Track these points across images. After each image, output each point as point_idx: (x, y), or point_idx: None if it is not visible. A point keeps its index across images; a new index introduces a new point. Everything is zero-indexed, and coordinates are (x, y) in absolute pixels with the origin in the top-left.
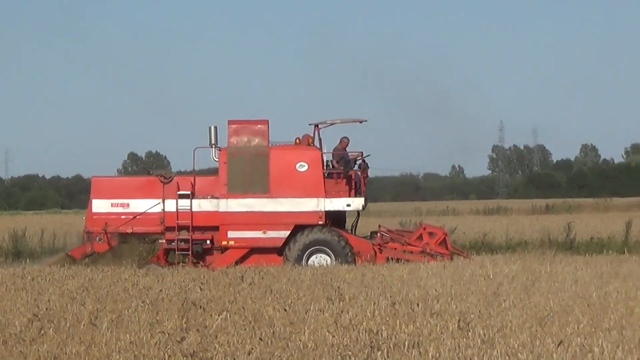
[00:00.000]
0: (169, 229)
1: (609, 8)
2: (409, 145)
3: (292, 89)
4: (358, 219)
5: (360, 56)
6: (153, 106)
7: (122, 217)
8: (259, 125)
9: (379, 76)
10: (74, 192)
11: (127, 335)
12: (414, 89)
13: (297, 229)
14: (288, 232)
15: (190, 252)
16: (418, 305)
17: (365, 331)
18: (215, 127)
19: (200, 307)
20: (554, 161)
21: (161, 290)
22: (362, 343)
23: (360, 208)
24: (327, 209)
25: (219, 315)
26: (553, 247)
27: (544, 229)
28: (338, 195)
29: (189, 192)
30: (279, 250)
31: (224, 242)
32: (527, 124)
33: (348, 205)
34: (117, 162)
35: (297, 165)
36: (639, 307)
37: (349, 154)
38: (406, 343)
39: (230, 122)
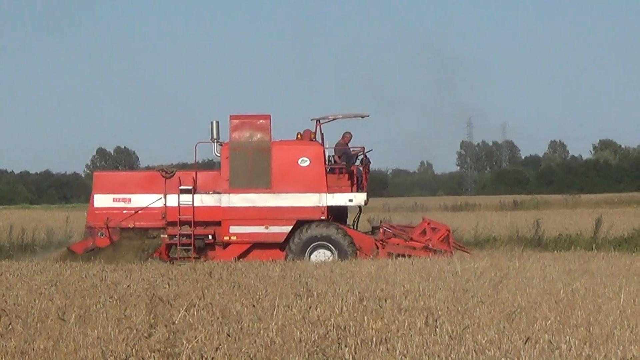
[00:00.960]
0: (171, 224)
1: (577, 5)
2: (378, 141)
3: (284, 83)
4: (360, 215)
5: (333, 49)
6: (127, 100)
7: (124, 212)
8: (261, 120)
9: (354, 72)
10: (42, 188)
11: (95, 331)
12: (381, 83)
13: (299, 224)
14: (290, 227)
15: (192, 247)
16: (386, 301)
17: (333, 327)
18: (217, 122)
19: (168, 302)
20: (523, 157)
21: (129, 286)
22: (330, 339)
23: (363, 203)
24: (329, 204)
25: (186, 311)
26: (521, 244)
27: (513, 225)
28: (340, 190)
29: (190, 187)
30: (281, 245)
31: (226, 238)
32: (496, 120)
33: (350, 200)
34: (85, 158)
35: (300, 161)
36: (607, 303)
37: (351, 149)
38: (374, 339)
39: (232, 117)
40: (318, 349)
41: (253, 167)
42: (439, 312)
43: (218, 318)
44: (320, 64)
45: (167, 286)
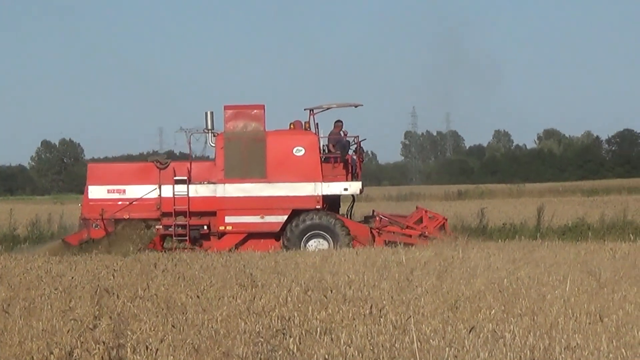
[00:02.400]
0: (166, 214)
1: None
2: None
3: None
4: (353, 204)
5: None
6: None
7: (119, 203)
8: (255, 110)
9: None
10: None
11: (40, 323)
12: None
13: (295, 214)
14: (286, 217)
15: (187, 238)
16: (331, 291)
17: (278, 318)
18: (212, 113)
19: (113, 294)
20: (467, 147)
21: (74, 278)
22: (274, 329)
23: (358, 192)
24: (324, 193)
25: (131, 303)
26: (466, 233)
27: (457, 215)
28: (335, 179)
29: (185, 178)
30: (276, 235)
31: (222, 228)
32: (440, 110)
33: (345, 189)
34: (31, 150)
35: (294, 150)
36: (551, 292)
37: (345, 137)
38: (318, 329)
39: (226, 107)
40: (262, 340)
41: (248, 156)
42: (383, 302)
43: (163, 309)
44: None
45: (112, 278)
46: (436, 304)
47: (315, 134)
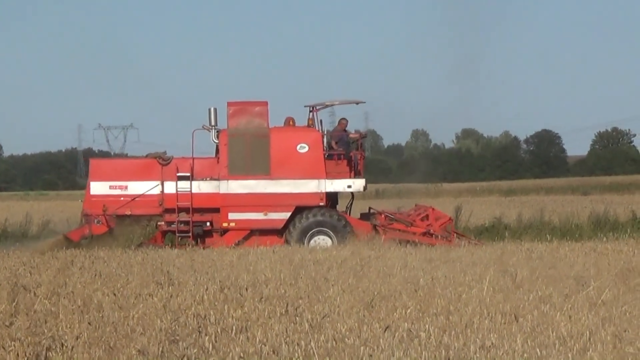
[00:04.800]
0: (168, 210)
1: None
2: None
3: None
4: (352, 201)
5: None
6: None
7: (121, 199)
8: (259, 107)
9: None
10: None
11: None
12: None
13: (298, 211)
14: (289, 214)
15: (190, 234)
16: (247, 290)
17: (194, 316)
18: (215, 109)
19: (30, 291)
20: (385, 146)
21: None
22: (190, 328)
23: (361, 189)
24: (328, 190)
25: (48, 300)
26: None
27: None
28: (339, 176)
29: (188, 174)
30: (279, 231)
31: (225, 224)
32: (359, 109)
33: (349, 186)
34: None
35: (298, 147)
36: (467, 292)
37: (349, 135)
38: (234, 327)
39: (229, 104)
40: (178, 338)
41: (252, 153)
42: (300, 301)
43: (79, 307)
44: None
45: (29, 275)
46: (352, 302)
47: (319, 131)
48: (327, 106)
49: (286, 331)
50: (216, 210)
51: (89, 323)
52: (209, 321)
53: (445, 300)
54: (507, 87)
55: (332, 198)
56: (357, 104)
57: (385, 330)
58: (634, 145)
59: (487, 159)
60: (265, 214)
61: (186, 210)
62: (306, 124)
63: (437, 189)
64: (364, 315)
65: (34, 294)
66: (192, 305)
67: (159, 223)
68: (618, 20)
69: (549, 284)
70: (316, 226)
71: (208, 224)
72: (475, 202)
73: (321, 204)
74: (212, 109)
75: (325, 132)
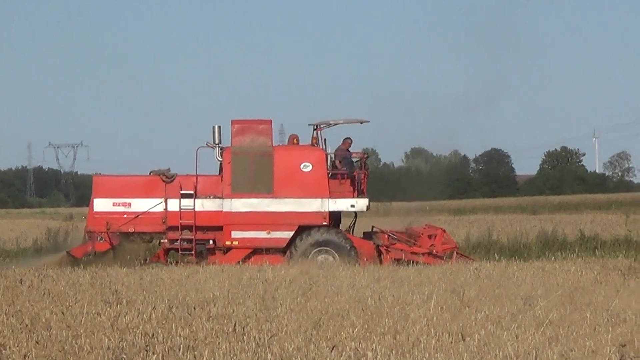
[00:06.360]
0: (172, 228)
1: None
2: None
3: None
4: (356, 220)
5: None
6: None
7: (124, 216)
8: (263, 125)
9: None
10: None
11: None
12: None
13: (301, 230)
14: (292, 233)
15: (193, 252)
16: (195, 309)
17: (142, 334)
18: (219, 127)
19: None
20: None
21: None
22: (138, 346)
23: (365, 209)
24: (331, 209)
25: None
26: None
27: None
28: (342, 195)
29: (192, 192)
30: (282, 250)
31: (228, 243)
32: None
33: (352, 206)
34: None
35: (302, 166)
36: (415, 311)
37: (352, 154)
38: (181, 346)
39: (233, 122)
40: (125, 357)
41: (255, 171)
42: (247, 320)
43: (27, 325)
44: None
45: None
46: (300, 321)
47: (323, 149)
48: (331, 125)
49: (233, 350)
50: (219, 228)
51: (36, 342)
52: (157, 340)
53: (393, 320)
54: (456, 106)
55: (335, 217)
56: (361, 123)
57: (332, 349)
58: (582, 164)
59: (437, 177)
60: (268, 233)
61: (189, 228)
62: (310, 143)
63: (386, 207)
64: (311, 335)
65: None
66: (140, 324)
67: (161, 241)
68: (566, 40)
69: (497, 303)
70: (319, 246)
71: (211, 242)
72: (424, 221)
73: (324, 223)
74: (216, 127)
75: (329, 151)
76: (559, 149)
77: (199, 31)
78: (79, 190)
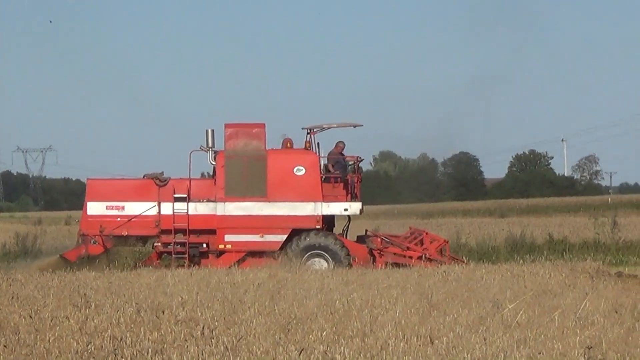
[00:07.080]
0: (165, 232)
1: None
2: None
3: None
4: (349, 223)
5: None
6: None
7: (118, 219)
8: (256, 129)
9: None
10: None
11: None
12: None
13: (295, 233)
14: (285, 236)
15: (186, 256)
16: (163, 312)
17: (110, 338)
18: (212, 131)
19: None
20: None
21: None
22: (106, 350)
23: (358, 213)
24: (324, 213)
25: None
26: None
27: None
28: (335, 199)
29: (185, 196)
30: (275, 254)
31: (221, 246)
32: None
33: (345, 209)
34: None
35: (295, 169)
36: (383, 314)
37: (345, 158)
38: (150, 350)
39: (227, 126)
40: None
41: (249, 175)
42: (216, 323)
43: None
44: None
45: None
46: (268, 325)
47: (316, 153)
48: (324, 129)
49: (202, 353)
50: (213, 231)
51: (4, 346)
52: (125, 343)
53: (362, 323)
54: (425, 109)
55: (328, 221)
56: (354, 127)
57: (301, 353)
58: (551, 167)
59: (405, 181)
60: (262, 236)
61: (183, 231)
62: (303, 146)
63: None
64: (279, 338)
65: None
66: (109, 328)
67: (155, 244)
68: (535, 43)
69: (465, 306)
70: (312, 249)
71: (204, 245)
72: (393, 224)
73: (318, 226)
74: (209, 131)
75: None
76: (527, 152)
77: (192, 34)
78: (47, 194)
